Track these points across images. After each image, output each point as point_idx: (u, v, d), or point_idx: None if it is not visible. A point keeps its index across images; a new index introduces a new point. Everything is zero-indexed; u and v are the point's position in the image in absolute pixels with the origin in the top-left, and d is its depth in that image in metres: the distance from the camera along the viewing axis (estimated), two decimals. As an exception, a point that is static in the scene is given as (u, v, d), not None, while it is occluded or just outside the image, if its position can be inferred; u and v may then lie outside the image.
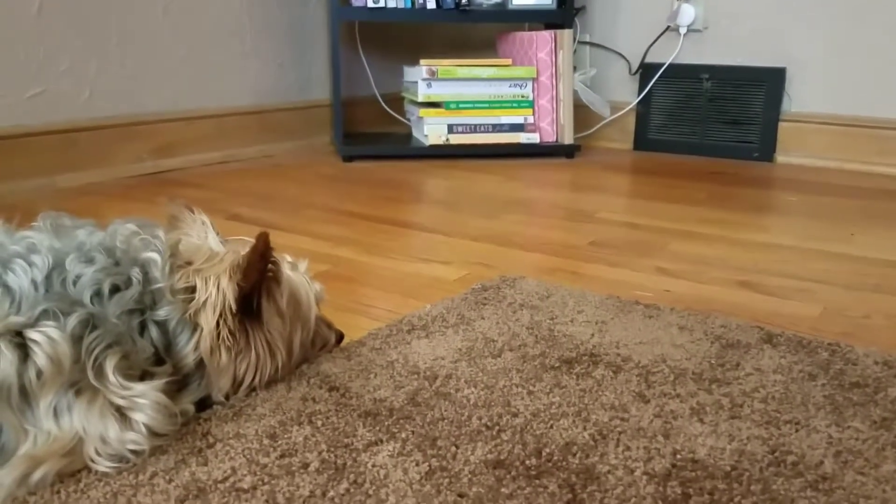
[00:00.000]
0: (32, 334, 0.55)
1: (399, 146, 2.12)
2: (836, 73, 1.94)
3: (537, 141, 2.05)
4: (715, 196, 1.65)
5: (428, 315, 0.89)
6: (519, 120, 2.05)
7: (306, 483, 0.56)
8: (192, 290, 0.65)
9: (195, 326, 0.64)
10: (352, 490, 0.55)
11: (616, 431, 0.64)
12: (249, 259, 0.66)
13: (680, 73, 2.14)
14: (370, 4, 2.00)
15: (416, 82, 2.04)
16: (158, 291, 0.64)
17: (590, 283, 1.05)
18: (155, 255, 0.65)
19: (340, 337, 0.81)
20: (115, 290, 0.61)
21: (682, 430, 0.64)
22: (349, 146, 2.05)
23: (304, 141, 2.21)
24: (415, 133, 2.18)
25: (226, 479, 0.56)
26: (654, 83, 2.17)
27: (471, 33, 2.44)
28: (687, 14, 2.08)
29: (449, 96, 2.02)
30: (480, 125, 2.04)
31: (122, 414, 0.59)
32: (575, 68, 2.11)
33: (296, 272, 0.75)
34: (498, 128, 2.04)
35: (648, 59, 2.19)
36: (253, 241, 0.67)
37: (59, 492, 0.55)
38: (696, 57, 2.12)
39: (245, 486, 0.56)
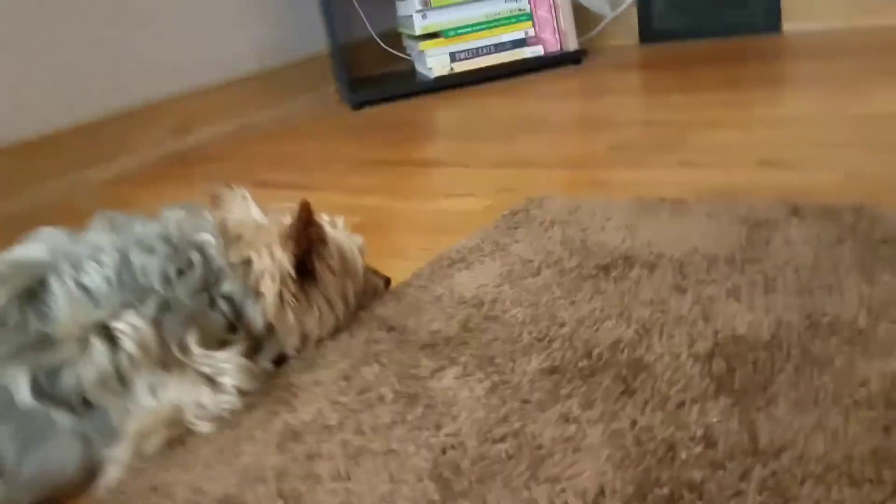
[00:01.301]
0: (117, 325, 0.61)
1: (405, 84, 2.12)
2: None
3: (542, 53, 2.04)
4: (727, 78, 1.64)
5: (464, 248, 0.94)
6: (520, 35, 2.03)
7: (385, 412, 0.62)
8: (249, 261, 0.71)
9: (258, 294, 0.70)
10: (426, 412, 0.61)
11: (658, 323, 0.68)
12: (297, 227, 0.70)
13: (675, -43, 2.09)
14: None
15: (411, 16, 2.03)
16: (219, 269, 0.69)
17: (614, 188, 1.08)
18: (208, 236, 0.70)
19: (388, 282, 0.86)
20: (180, 273, 0.67)
21: (720, 311, 0.69)
22: (356, 93, 2.06)
23: (311, 94, 2.22)
24: (418, 67, 2.18)
25: (314, 420, 0.63)
26: (651, -28, 2.12)
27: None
28: None
29: (446, 24, 2.01)
30: (482, 48, 2.03)
31: (211, 380, 0.65)
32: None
33: (336, 230, 0.80)
34: (500, 47, 2.03)
35: (641, -51, 2.13)
36: (291, 207, 0.72)
37: (170, 457, 0.61)
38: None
39: (332, 423, 0.62)
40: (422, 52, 2.06)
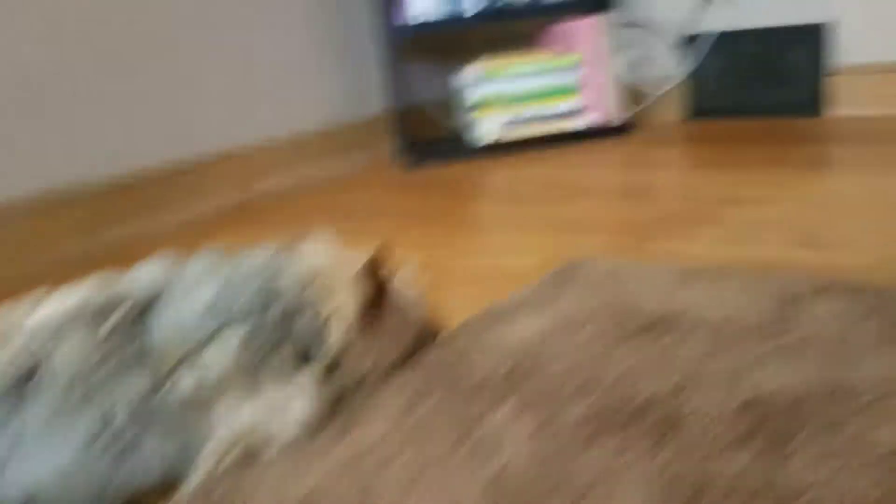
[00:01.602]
0: (207, 353, 0.70)
1: (456, 148, 2.24)
2: (875, 22, 1.96)
3: (589, 124, 2.14)
4: (769, 158, 1.71)
5: (511, 303, 1.01)
6: (568, 107, 2.14)
7: (440, 442, 0.69)
8: (322, 300, 0.79)
9: (328, 331, 0.78)
10: (477, 446, 0.68)
11: (693, 382, 0.74)
12: (369, 270, 0.79)
13: (722, 41, 2.19)
14: (414, 20, 2.13)
15: (466, 86, 2.16)
16: (297, 305, 0.78)
17: (654, 256, 1.15)
18: (291, 276, 0.79)
19: (439, 331, 0.94)
20: (266, 306, 0.75)
21: (749, 375, 0.74)
22: (410, 154, 2.18)
23: (367, 152, 2.35)
24: (469, 135, 2.30)
25: (375, 443, 0.70)
26: (698, 52, 2.23)
27: (511, 31, 2.54)
28: (721, -16, 2.13)
29: (498, 95, 2.14)
30: (532, 117, 2.14)
31: (283, 406, 0.73)
32: (618, 50, 2.19)
33: (401, 279, 0.88)
34: (549, 117, 2.15)
35: (689, 31, 2.25)
36: (362, 254, 0.81)
37: (242, 474, 0.69)
38: (736, 22, 2.17)
39: (393, 447, 0.69)
40: (473, 119, 2.18)
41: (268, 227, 1.61)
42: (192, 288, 0.73)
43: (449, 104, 2.44)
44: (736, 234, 1.22)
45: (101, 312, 0.69)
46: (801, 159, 1.69)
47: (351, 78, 2.32)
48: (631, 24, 2.34)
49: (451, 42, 2.54)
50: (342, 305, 0.78)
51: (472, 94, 2.14)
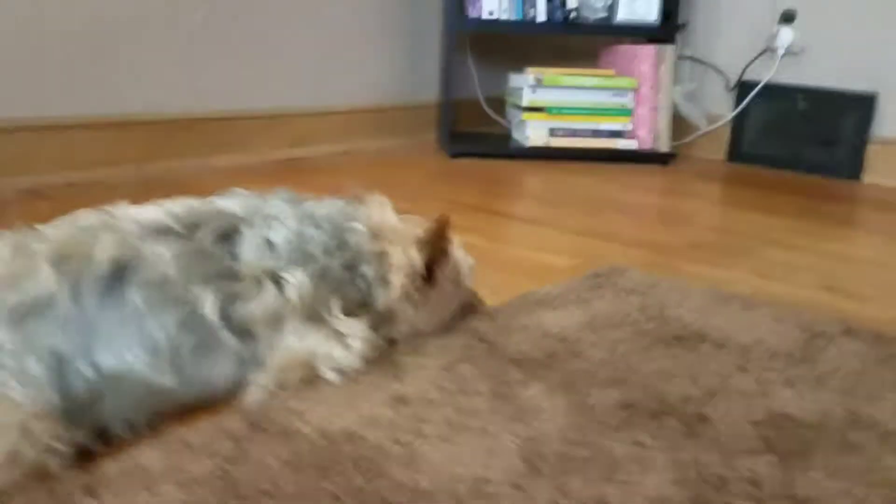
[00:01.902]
0: (286, 276, 0.75)
1: (500, 146, 2.29)
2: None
3: (635, 147, 2.19)
4: (804, 209, 1.76)
5: (551, 293, 1.06)
6: (618, 127, 2.19)
7: (480, 402, 0.74)
8: (385, 254, 0.84)
9: (387, 282, 0.83)
10: (515, 411, 0.73)
11: (722, 391, 0.79)
12: (432, 235, 0.84)
13: (775, 92, 2.24)
14: (484, 16, 2.18)
15: (522, 88, 2.21)
16: (363, 254, 0.83)
17: (689, 278, 1.20)
18: (360, 226, 0.84)
19: (482, 306, 0.99)
20: (336, 249, 0.80)
21: (775, 393, 0.79)
22: (455, 144, 2.23)
23: (413, 138, 2.40)
24: (514, 135, 2.34)
25: (419, 394, 0.75)
26: (750, 100, 2.27)
27: (574, 44, 2.59)
28: (785, 36, 2.17)
29: (552, 102, 2.18)
30: (581, 130, 2.19)
31: (342, 339, 0.78)
32: (675, 81, 2.23)
33: (456, 249, 0.93)
34: (597, 133, 2.19)
35: (746, 77, 2.29)
36: (420, 220, 0.86)
37: (303, 393, 0.74)
38: (791, 77, 2.21)
39: (435, 399, 0.74)
40: (523, 121, 2.22)
41: (311, 187, 1.66)
42: (274, 221, 0.78)
43: (502, 103, 2.49)
44: (768, 270, 1.26)
45: (192, 225, 0.74)
46: (833, 217, 1.73)
47: (412, 62, 2.37)
48: (692, 59, 2.39)
49: (516, 43, 2.59)
50: (405, 262, 0.83)
51: (527, 97, 2.18)
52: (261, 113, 1.96)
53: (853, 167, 2.13)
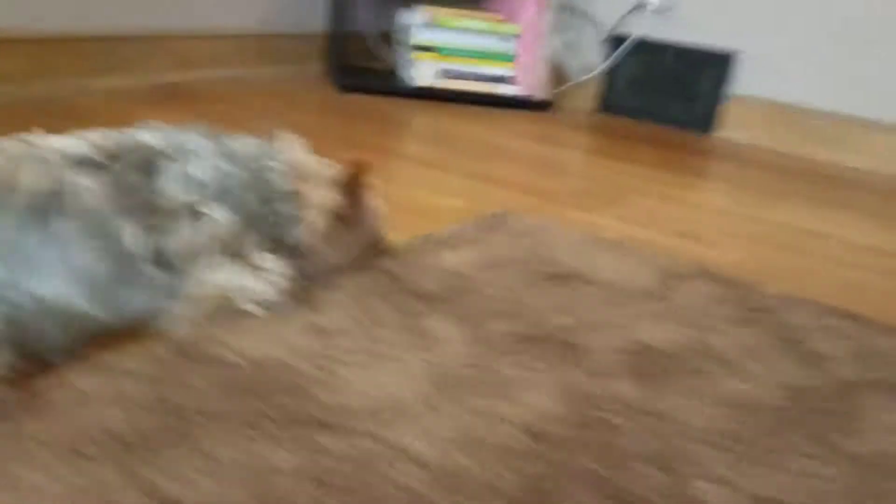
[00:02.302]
0: (206, 210, 0.79)
1: (388, 82, 2.32)
2: (780, 62, 2.24)
3: (516, 93, 2.30)
4: (664, 160, 1.95)
5: (449, 233, 1.15)
6: (502, 72, 2.28)
7: (390, 331, 0.82)
8: (301, 193, 0.89)
9: (303, 221, 0.88)
10: (418, 339, 0.82)
11: (590, 322, 0.92)
12: (349, 178, 0.90)
13: (644, 47, 2.41)
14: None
15: (412, 26, 2.24)
16: (279, 191, 0.87)
17: (569, 222, 1.33)
18: (277, 164, 0.88)
19: (387, 245, 1.06)
20: (255, 187, 0.84)
21: (637, 325, 0.93)
22: (344, 78, 2.24)
23: (299, 67, 2.37)
24: (401, 72, 2.38)
25: (335, 324, 0.82)
26: (620, 53, 2.43)
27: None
28: (658, -5, 2.34)
29: (442, 43, 2.23)
30: (467, 73, 2.26)
31: (259, 274, 0.83)
32: (553, 30, 2.34)
33: (367, 192, 0.99)
34: (482, 77, 2.28)
35: (618, 31, 2.44)
36: (332, 163, 0.92)
37: (223, 324, 0.79)
38: (661, 33, 2.38)
39: (348, 329, 0.82)
40: (411, 59, 2.26)
41: (197, 114, 1.64)
42: (194, 156, 0.81)
43: (389, 39, 2.50)
44: (632, 216, 1.42)
45: (114, 157, 0.75)
46: (690, 167, 1.94)
47: (299, -11, 2.32)
48: (569, 10, 2.50)
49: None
50: (319, 201, 0.89)
51: (416, 36, 2.22)
52: (144, 33, 1.87)
53: (707, 122, 2.36)
